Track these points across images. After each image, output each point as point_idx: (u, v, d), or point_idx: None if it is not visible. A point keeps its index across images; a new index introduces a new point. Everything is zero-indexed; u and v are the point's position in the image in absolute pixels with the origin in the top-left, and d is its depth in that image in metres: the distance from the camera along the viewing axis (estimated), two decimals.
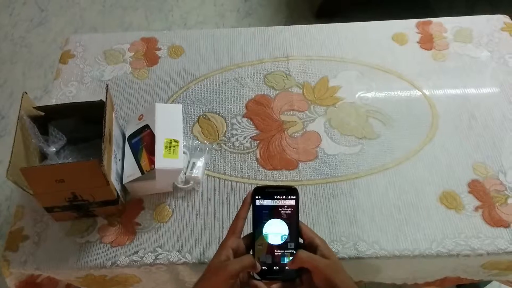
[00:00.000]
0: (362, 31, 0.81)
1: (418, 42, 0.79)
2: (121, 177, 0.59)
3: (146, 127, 0.61)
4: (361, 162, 0.64)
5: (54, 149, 0.60)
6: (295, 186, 0.43)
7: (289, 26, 0.82)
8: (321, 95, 0.72)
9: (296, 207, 0.42)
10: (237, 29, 0.82)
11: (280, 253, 0.41)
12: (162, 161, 0.56)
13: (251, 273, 0.41)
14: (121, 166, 0.60)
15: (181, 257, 0.56)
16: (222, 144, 0.67)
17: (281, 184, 0.62)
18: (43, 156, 0.60)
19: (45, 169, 0.53)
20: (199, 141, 0.67)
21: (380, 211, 0.60)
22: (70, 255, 0.56)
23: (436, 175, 0.63)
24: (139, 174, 0.57)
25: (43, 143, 0.59)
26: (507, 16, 0.83)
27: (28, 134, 0.57)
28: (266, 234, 0.42)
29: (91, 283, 0.60)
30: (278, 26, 0.82)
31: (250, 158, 0.65)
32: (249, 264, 0.39)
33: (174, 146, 0.59)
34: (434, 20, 0.82)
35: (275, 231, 0.42)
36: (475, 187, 0.61)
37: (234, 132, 0.68)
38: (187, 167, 0.62)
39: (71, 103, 0.66)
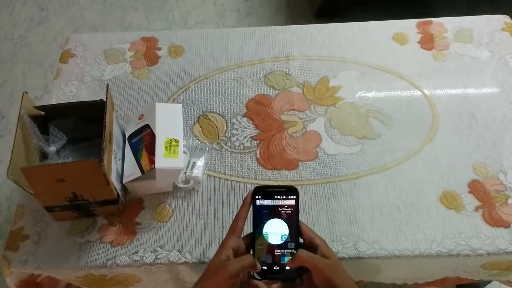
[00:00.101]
0: (362, 31, 0.81)
1: (418, 42, 0.79)
2: (121, 177, 0.59)
3: (146, 126, 0.61)
4: (361, 162, 0.64)
5: (55, 148, 0.60)
6: (295, 186, 0.43)
7: (289, 26, 0.82)
8: (321, 95, 0.72)
9: (296, 207, 0.42)
10: (238, 29, 0.82)
11: (280, 253, 0.41)
12: (162, 160, 0.56)
13: (251, 273, 0.41)
14: (121, 166, 0.60)
15: (181, 257, 0.56)
16: (222, 144, 0.67)
17: (281, 184, 0.62)
18: (44, 155, 0.60)
19: (45, 168, 0.53)
20: (199, 140, 0.67)
21: (380, 211, 0.60)
22: (70, 255, 0.57)
23: (436, 175, 0.63)
24: (139, 173, 0.57)
25: (43, 143, 0.59)
26: (508, 16, 0.83)
27: (29, 133, 0.57)
28: (266, 234, 0.42)
29: (91, 282, 0.60)
30: (278, 26, 0.82)
31: (250, 158, 0.65)
32: (249, 264, 0.39)
33: (174, 146, 0.59)
34: (435, 20, 0.82)
35: (275, 231, 0.42)
36: (475, 187, 0.61)
37: (234, 131, 0.68)
38: (187, 166, 0.62)
39: (71, 102, 0.66)
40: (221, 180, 0.63)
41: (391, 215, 0.59)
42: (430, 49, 0.77)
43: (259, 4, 1.56)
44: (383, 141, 0.66)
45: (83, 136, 0.62)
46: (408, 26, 0.81)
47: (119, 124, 0.64)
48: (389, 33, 0.80)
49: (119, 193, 0.58)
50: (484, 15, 0.83)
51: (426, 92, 0.72)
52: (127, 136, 0.63)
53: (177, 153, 0.58)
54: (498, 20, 0.82)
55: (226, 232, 0.43)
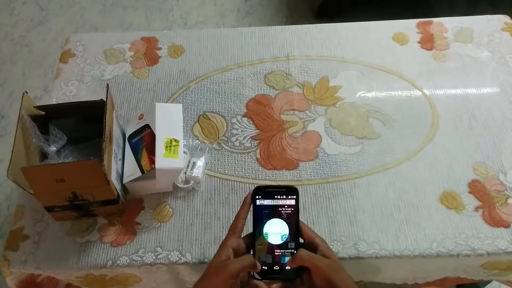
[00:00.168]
0: (362, 31, 0.81)
1: (418, 42, 0.79)
2: (121, 177, 0.59)
3: (147, 126, 0.61)
4: (361, 162, 0.64)
5: (55, 148, 0.60)
6: (295, 186, 0.43)
7: (289, 25, 0.82)
8: (321, 95, 0.72)
9: (296, 207, 0.42)
10: (238, 29, 0.82)
11: (280, 253, 0.41)
12: (162, 160, 0.56)
13: (251, 272, 0.41)
14: (122, 166, 0.60)
15: (181, 257, 0.56)
16: (222, 144, 0.67)
17: (281, 184, 0.62)
18: (44, 155, 0.60)
19: (45, 168, 0.53)
20: (199, 140, 0.67)
21: (381, 211, 0.60)
22: (70, 255, 0.56)
23: (436, 175, 0.62)
24: (139, 173, 0.57)
25: (43, 143, 0.59)
26: (508, 16, 0.83)
27: (29, 133, 0.57)
28: (267, 234, 0.42)
29: (91, 282, 0.60)
30: (278, 26, 0.82)
31: (250, 158, 0.65)
32: (250, 264, 0.39)
33: (174, 146, 0.59)
34: (435, 20, 0.82)
35: (276, 230, 0.42)
36: (475, 187, 0.61)
37: (235, 131, 0.68)
38: (187, 166, 0.62)
39: (71, 102, 0.65)
40: (221, 180, 0.63)
41: (391, 215, 0.59)
42: (430, 49, 0.77)
43: (259, 4, 1.56)
44: (383, 141, 0.66)
45: (83, 136, 0.62)
46: (408, 26, 0.81)
47: (119, 124, 0.64)
48: (389, 33, 0.80)
49: (119, 193, 0.58)
50: (484, 15, 0.83)
51: (426, 92, 0.72)
52: (127, 136, 0.63)
53: (177, 153, 0.58)
54: (498, 20, 0.82)
55: (226, 232, 0.43)
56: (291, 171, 0.64)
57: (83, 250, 0.57)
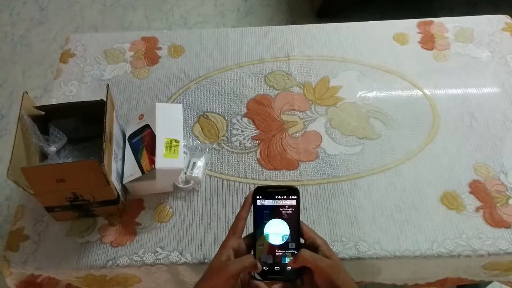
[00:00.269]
0: (363, 31, 0.81)
1: (419, 42, 0.78)
2: (121, 177, 0.59)
3: (147, 126, 0.61)
4: (362, 162, 0.64)
5: (55, 148, 0.60)
6: (296, 186, 0.43)
7: (290, 25, 0.82)
8: (321, 95, 0.72)
9: (297, 207, 0.42)
10: (238, 29, 0.82)
11: (281, 253, 0.41)
12: (162, 161, 0.56)
13: (252, 273, 0.41)
14: (122, 166, 0.60)
15: (182, 257, 0.56)
16: (222, 144, 0.67)
17: (282, 184, 0.62)
18: (44, 155, 0.60)
19: (45, 168, 0.53)
20: (199, 140, 0.67)
21: (381, 211, 0.59)
22: (71, 255, 0.56)
23: (437, 175, 0.62)
24: (139, 174, 0.57)
25: (43, 143, 0.58)
26: (508, 16, 0.83)
27: (29, 133, 0.57)
28: (267, 234, 0.41)
29: (91, 283, 0.59)
30: (279, 26, 0.81)
31: (251, 158, 0.65)
32: (250, 264, 0.39)
33: (174, 146, 0.59)
34: (435, 20, 0.82)
35: (276, 231, 0.42)
36: (476, 188, 0.61)
37: (235, 132, 0.68)
38: (188, 167, 0.62)
39: (71, 102, 0.65)
40: (221, 180, 0.63)
41: (391, 215, 0.59)
42: (431, 49, 0.77)
43: (260, 3, 1.56)
44: (384, 141, 0.66)
45: (83, 136, 0.62)
46: (409, 26, 0.81)
47: (119, 124, 0.64)
48: (390, 33, 0.80)
49: (119, 193, 0.58)
50: (484, 15, 0.83)
51: (427, 92, 0.72)
52: (127, 136, 0.63)
53: (177, 153, 0.58)
54: (499, 20, 0.81)
55: (227, 232, 0.42)
56: (291, 171, 0.64)
57: (83, 251, 0.57)
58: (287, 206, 0.42)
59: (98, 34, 0.83)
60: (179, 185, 0.61)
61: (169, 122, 0.61)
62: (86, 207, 0.56)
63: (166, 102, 0.72)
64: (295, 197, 0.42)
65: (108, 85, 0.59)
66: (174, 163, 0.57)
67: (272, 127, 0.68)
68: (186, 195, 0.62)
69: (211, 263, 0.40)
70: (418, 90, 0.72)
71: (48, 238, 0.58)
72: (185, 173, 0.62)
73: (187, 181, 0.62)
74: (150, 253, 0.56)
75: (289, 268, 0.41)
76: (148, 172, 0.56)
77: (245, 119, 0.69)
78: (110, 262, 0.56)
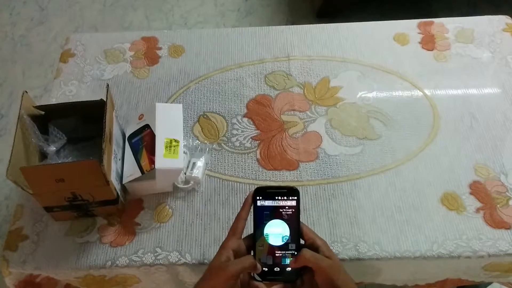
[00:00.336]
0: (363, 31, 0.80)
1: (419, 43, 0.78)
2: (121, 177, 0.59)
3: (147, 126, 0.61)
4: (362, 162, 0.64)
5: (54, 148, 0.59)
6: (296, 187, 0.43)
7: (290, 26, 0.82)
8: (322, 95, 0.72)
9: (297, 208, 0.42)
10: (238, 29, 0.82)
11: (281, 254, 0.41)
12: (162, 161, 0.56)
13: (252, 274, 0.41)
14: (121, 166, 0.60)
15: (181, 258, 0.56)
16: (222, 144, 0.67)
17: (282, 185, 0.62)
18: (43, 155, 0.60)
19: (45, 168, 0.52)
20: (199, 141, 0.67)
21: (381, 212, 0.59)
22: (70, 255, 0.56)
23: (437, 176, 0.62)
24: (139, 174, 0.57)
25: (43, 143, 0.58)
26: (509, 17, 0.82)
27: (28, 133, 0.57)
28: (267, 235, 0.41)
29: (91, 283, 0.59)
30: (279, 26, 0.81)
31: (251, 158, 0.65)
32: (250, 265, 0.39)
33: (174, 146, 0.58)
34: (436, 20, 0.82)
35: (276, 232, 0.42)
36: (476, 189, 0.61)
37: (235, 132, 0.68)
38: (187, 167, 0.62)
39: (71, 102, 0.65)
40: (221, 180, 0.63)
41: (391, 216, 0.59)
42: (431, 50, 0.77)
43: (260, 3, 1.56)
44: (384, 141, 0.66)
45: (83, 136, 0.62)
46: (409, 26, 0.81)
47: (119, 124, 0.63)
48: (390, 33, 0.80)
49: (119, 193, 0.58)
50: (485, 16, 0.83)
51: (427, 92, 0.72)
52: (127, 136, 0.63)
53: (177, 153, 0.58)
54: (499, 20, 0.81)
55: (226, 233, 0.42)
56: (291, 171, 0.63)
57: (82, 251, 0.57)
58: (287, 207, 0.42)
59: (98, 34, 0.83)
60: (179, 185, 0.61)
61: (169, 122, 0.61)
62: (85, 207, 0.56)
63: (166, 102, 0.72)
64: (295, 197, 0.42)
65: (108, 85, 0.59)
66: (173, 163, 0.57)
67: (272, 127, 0.68)
68: (185, 195, 0.62)
69: (211, 264, 0.40)
70: (418, 91, 0.72)
71: (47, 238, 0.58)
72: (185, 173, 0.61)
73: (186, 181, 0.62)
74: (149, 253, 0.56)
75: (289, 269, 0.41)
76: (147, 172, 0.56)
77: (245, 119, 0.69)
78: (109, 262, 0.55)
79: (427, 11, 1.44)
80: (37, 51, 1.46)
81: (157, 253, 0.56)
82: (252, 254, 0.41)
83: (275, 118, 0.69)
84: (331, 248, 0.42)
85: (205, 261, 0.56)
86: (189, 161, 0.62)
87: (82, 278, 0.58)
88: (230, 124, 0.69)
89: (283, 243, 0.41)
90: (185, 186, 0.61)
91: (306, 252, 0.39)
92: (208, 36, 0.80)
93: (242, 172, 0.64)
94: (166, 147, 0.58)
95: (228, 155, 0.65)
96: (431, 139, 0.66)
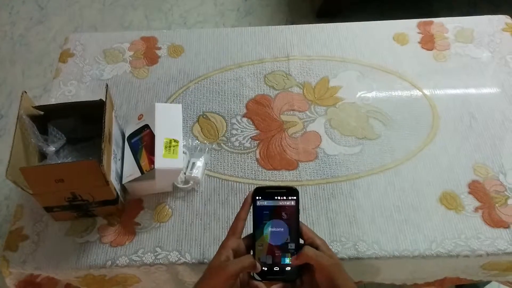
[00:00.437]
0: (363, 31, 0.80)
1: (419, 42, 0.78)
2: (120, 177, 0.59)
3: (146, 126, 0.61)
4: (361, 162, 0.64)
5: (54, 148, 0.60)
6: (295, 187, 0.43)
7: (289, 25, 0.82)
8: (321, 95, 0.72)
9: (296, 208, 0.42)
10: (237, 29, 0.82)
11: (280, 254, 0.41)
12: (161, 161, 0.56)
13: (252, 273, 0.41)
14: (121, 166, 0.60)
15: (181, 257, 0.56)
16: (222, 144, 0.67)
17: (281, 185, 0.62)
18: (43, 155, 0.60)
19: (44, 168, 0.53)
20: (199, 141, 0.67)
21: (380, 211, 0.60)
22: (70, 255, 0.56)
23: (436, 175, 0.62)
24: (138, 174, 0.57)
25: (42, 143, 0.58)
26: (508, 17, 0.82)
27: (28, 133, 0.57)
28: (267, 235, 0.41)
29: (91, 283, 0.60)
30: (278, 26, 0.81)
31: (250, 158, 0.65)
32: (249, 265, 0.39)
33: (174, 146, 0.59)
34: (435, 20, 0.82)
35: (276, 231, 0.42)
36: (475, 188, 0.61)
37: (234, 132, 0.68)
38: (187, 167, 0.62)
39: (70, 102, 0.65)
40: (220, 180, 0.63)
41: (390, 215, 0.59)
42: (431, 50, 0.77)
43: (259, 3, 1.56)
44: (383, 141, 0.66)
45: (82, 136, 0.62)
46: (409, 26, 0.81)
47: (119, 124, 0.63)
48: (390, 33, 0.80)
49: (119, 193, 0.58)
50: (484, 16, 0.83)
51: (427, 92, 0.72)
52: (126, 136, 0.63)
53: (176, 153, 0.58)
54: (499, 20, 0.81)
55: (226, 232, 0.42)
56: (291, 171, 0.64)
57: (82, 250, 0.57)
58: (286, 207, 0.42)
59: (97, 34, 0.83)
60: (179, 185, 0.61)
61: (168, 122, 0.61)
62: (85, 207, 0.56)
63: (166, 102, 0.72)
64: (295, 197, 0.42)
65: (107, 85, 0.59)
66: (173, 163, 0.57)
67: (271, 127, 0.68)
68: (185, 195, 0.62)
69: (211, 263, 0.40)
70: (417, 91, 0.72)
71: (47, 238, 0.58)
72: (185, 173, 0.62)
73: (186, 181, 0.62)
74: (149, 253, 0.56)
75: (288, 268, 0.41)
76: (147, 172, 0.56)
77: (244, 119, 0.69)
78: (110, 262, 0.56)
79: (428, 11, 1.44)
80: (36, 51, 1.45)
81: (157, 253, 0.56)
82: (251, 253, 0.41)
83: (274, 118, 0.69)
84: (330, 247, 0.42)
85: (205, 260, 0.56)
86: (189, 161, 0.63)
87: (82, 278, 0.58)
88: (229, 124, 0.69)
89: (282, 242, 0.41)
90: (185, 186, 0.61)
91: (308, 250, 0.40)
92: (207, 36, 0.80)
93: (241, 172, 0.64)
94: (166, 147, 0.58)
95: (228, 155, 0.65)
96: (430, 139, 0.66)
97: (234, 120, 0.69)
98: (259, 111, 0.70)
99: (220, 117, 0.70)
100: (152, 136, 0.58)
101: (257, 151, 0.66)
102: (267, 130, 0.68)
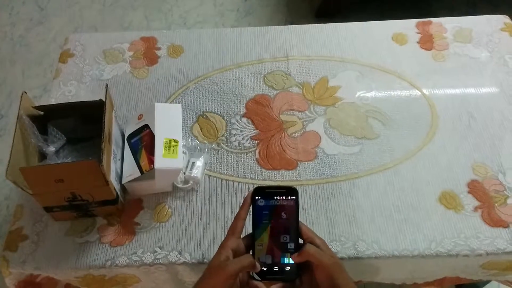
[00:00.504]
0: (362, 31, 0.81)
1: (418, 42, 0.79)
2: (120, 177, 0.59)
3: (146, 126, 0.61)
4: (360, 162, 0.64)
5: (54, 148, 0.60)
6: (295, 186, 0.43)
7: (289, 26, 0.82)
8: (320, 95, 0.72)
9: (296, 207, 0.42)
10: (237, 29, 0.82)
11: (280, 254, 0.41)
12: (161, 161, 0.56)
13: (251, 273, 0.41)
14: (121, 166, 0.60)
15: (180, 257, 0.56)
16: (221, 144, 0.67)
17: (280, 184, 0.62)
18: (43, 155, 0.60)
19: (44, 169, 0.53)
20: (198, 140, 0.67)
21: (380, 211, 0.60)
22: (70, 255, 0.56)
23: (435, 175, 0.63)
24: (138, 174, 0.57)
25: (42, 143, 0.58)
26: (507, 16, 0.83)
27: (28, 133, 0.57)
28: (266, 235, 0.42)
29: (91, 283, 0.60)
30: (278, 26, 0.82)
31: (250, 158, 0.65)
32: (248, 264, 0.39)
33: (173, 146, 0.59)
34: (434, 20, 0.82)
35: (275, 231, 0.42)
36: (474, 187, 0.61)
37: (234, 132, 0.68)
38: (187, 167, 0.62)
39: (70, 102, 0.65)
40: (220, 180, 0.63)
41: (390, 215, 0.59)
42: (430, 49, 0.78)
43: (259, 3, 1.56)
44: (383, 141, 0.66)
45: (82, 136, 0.62)
46: (408, 26, 0.81)
47: (118, 124, 0.64)
48: (389, 33, 0.80)
49: (118, 193, 0.58)
50: (483, 15, 0.83)
51: (426, 92, 0.72)
52: (126, 136, 0.63)
53: (176, 153, 0.58)
54: (497, 20, 0.82)
55: (226, 232, 0.43)
56: (290, 171, 0.64)
57: (82, 250, 0.57)
58: (286, 206, 0.42)
59: (97, 34, 0.83)
60: (178, 185, 0.62)
61: (168, 122, 0.61)
62: (85, 207, 0.56)
63: (165, 102, 0.72)
64: (294, 197, 0.42)
65: (107, 85, 0.59)
66: (173, 163, 0.57)
67: (271, 127, 0.68)
68: (185, 195, 0.62)
69: (210, 263, 0.40)
70: (416, 90, 0.72)
71: (47, 238, 0.58)
72: (184, 173, 0.62)
73: (186, 181, 0.62)
74: (149, 253, 0.56)
75: (288, 268, 0.41)
76: (147, 172, 0.56)
77: (244, 119, 0.69)
78: (109, 262, 0.56)
79: (427, 11, 1.44)
80: (36, 51, 1.45)
81: (157, 253, 0.57)
82: (251, 253, 0.41)
83: (274, 118, 0.70)
84: (330, 247, 0.42)
85: (205, 260, 0.56)
86: (188, 161, 0.63)
87: (82, 278, 0.59)
88: (229, 124, 0.69)
89: (282, 242, 0.41)
90: (185, 186, 0.62)
91: (310, 247, 0.40)
92: (207, 36, 0.80)
93: (241, 171, 0.64)
94: (165, 147, 0.58)
95: (227, 155, 0.66)
96: (429, 138, 0.67)
97: (233, 120, 0.69)
98: (258, 111, 0.70)
99: (220, 117, 0.70)
100: (151, 136, 0.58)
101: (257, 151, 0.66)
102: (266, 130, 0.68)
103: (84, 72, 0.76)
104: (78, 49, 0.79)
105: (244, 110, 0.71)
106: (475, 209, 0.59)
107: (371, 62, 0.76)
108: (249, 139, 0.67)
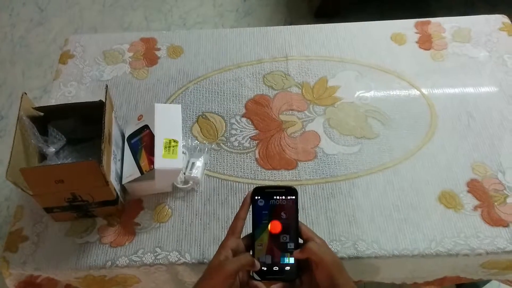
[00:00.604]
0: (361, 31, 0.81)
1: (416, 42, 0.79)
2: (120, 177, 0.59)
3: (146, 127, 0.61)
4: (360, 162, 0.64)
5: (54, 149, 0.60)
6: (294, 186, 0.43)
7: (288, 26, 0.82)
8: (320, 95, 0.72)
9: (295, 207, 0.42)
10: (236, 29, 0.82)
11: (280, 253, 0.41)
12: (161, 161, 0.56)
13: (251, 273, 0.41)
14: (121, 166, 0.60)
15: (181, 257, 0.56)
16: (221, 144, 0.67)
17: (280, 184, 0.62)
18: (43, 156, 0.60)
19: (44, 169, 0.53)
20: (198, 141, 0.67)
21: (379, 210, 0.60)
22: (70, 256, 0.57)
23: (435, 174, 0.63)
24: (138, 174, 0.57)
25: (42, 144, 0.59)
26: (505, 16, 0.83)
27: (28, 134, 0.57)
28: (266, 234, 0.42)
29: (91, 283, 0.60)
30: (277, 26, 0.82)
31: (249, 158, 0.65)
32: (247, 263, 0.39)
33: (173, 146, 0.59)
34: (433, 20, 0.82)
35: (275, 231, 0.42)
36: (474, 187, 0.61)
37: (233, 132, 0.68)
38: (187, 167, 0.62)
39: (70, 103, 0.66)
40: (220, 180, 0.63)
41: (390, 214, 0.59)
42: (428, 49, 0.78)
43: (258, 4, 1.56)
44: (382, 141, 0.66)
45: (82, 137, 0.62)
46: (406, 26, 0.81)
47: (118, 125, 0.64)
48: (388, 33, 0.80)
49: (118, 193, 0.58)
50: (482, 15, 0.83)
51: (425, 92, 0.72)
52: (126, 136, 0.63)
53: (176, 154, 0.58)
54: (496, 19, 0.82)
55: (226, 232, 0.43)
56: (290, 171, 0.64)
57: (82, 251, 0.57)
58: (285, 206, 0.42)
59: (97, 35, 0.84)
60: (178, 185, 0.62)
61: (168, 122, 0.61)
62: (85, 207, 0.57)
63: (165, 103, 0.72)
64: (294, 197, 0.42)
65: (107, 86, 0.59)
66: (173, 164, 0.57)
67: (270, 127, 0.69)
68: (185, 195, 0.62)
69: (210, 263, 0.40)
70: (416, 90, 0.72)
71: (47, 239, 0.58)
72: (184, 173, 0.62)
73: (186, 181, 0.62)
74: (149, 253, 0.57)
75: (288, 268, 0.41)
76: (147, 172, 0.56)
77: (243, 119, 0.70)
78: (109, 263, 0.56)
79: (427, 11, 1.45)
80: (36, 52, 1.46)
81: (157, 253, 0.57)
82: (251, 253, 0.42)
83: (273, 118, 0.70)
84: (330, 246, 0.42)
85: (205, 260, 0.56)
86: (188, 161, 0.63)
87: (82, 279, 0.59)
88: (228, 124, 0.69)
89: (282, 242, 0.41)
90: (184, 186, 0.62)
91: (313, 245, 0.40)
92: (206, 36, 0.80)
93: (241, 171, 0.64)
94: (165, 147, 0.58)
95: (227, 155, 0.66)
96: (428, 138, 0.67)
97: (233, 120, 0.70)
98: (258, 111, 0.70)
99: (220, 117, 0.70)
100: (151, 137, 0.59)
101: (256, 151, 0.66)
102: (266, 130, 0.68)
103: (84, 73, 0.76)
104: (78, 50, 0.79)
105: (244, 110, 0.71)
106: (475, 208, 0.59)
107: (370, 62, 0.76)
108: (249, 139, 0.67)
